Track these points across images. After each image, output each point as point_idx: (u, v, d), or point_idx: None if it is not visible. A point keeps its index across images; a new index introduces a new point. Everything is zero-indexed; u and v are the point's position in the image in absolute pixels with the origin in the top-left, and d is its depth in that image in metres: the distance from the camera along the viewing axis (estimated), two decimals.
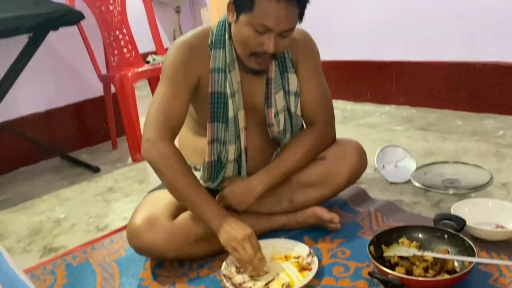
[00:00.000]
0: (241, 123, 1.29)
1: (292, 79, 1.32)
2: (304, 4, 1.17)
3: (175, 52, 1.25)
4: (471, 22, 2.29)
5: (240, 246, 1.15)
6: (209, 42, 1.26)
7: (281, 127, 1.33)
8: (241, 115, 1.29)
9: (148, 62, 2.48)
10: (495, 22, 2.21)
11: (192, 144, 1.38)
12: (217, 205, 1.23)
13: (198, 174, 1.36)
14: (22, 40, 2.10)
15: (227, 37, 1.24)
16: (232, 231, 1.16)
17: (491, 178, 1.60)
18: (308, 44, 1.37)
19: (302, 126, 1.41)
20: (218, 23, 1.27)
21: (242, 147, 1.31)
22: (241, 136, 1.30)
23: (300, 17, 1.19)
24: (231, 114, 1.26)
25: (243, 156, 1.33)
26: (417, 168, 1.75)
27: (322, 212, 1.35)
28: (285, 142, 1.37)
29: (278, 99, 1.31)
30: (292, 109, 1.34)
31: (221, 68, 1.25)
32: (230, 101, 1.25)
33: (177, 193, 1.22)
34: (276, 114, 1.31)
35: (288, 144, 1.37)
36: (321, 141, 1.37)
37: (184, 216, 1.26)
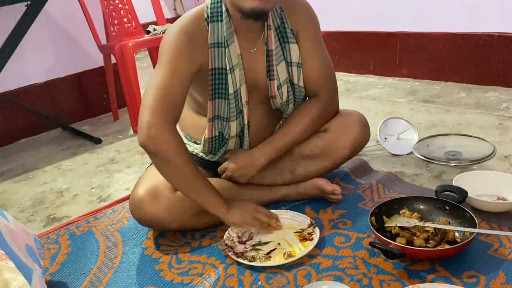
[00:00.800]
0: (244, 98, 1.26)
1: (294, 49, 1.29)
2: None
3: (174, 39, 1.18)
4: None
5: (255, 218, 1.22)
6: (205, 16, 1.21)
7: (284, 98, 1.32)
8: (243, 90, 1.26)
9: (148, 32, 2.44)
10: None
11: (191, 121, 1.37)
12: (220, 194, 1.22)
13: (198, 147, 1.36)
14: (19, 9, 2.07)
15: (223, 8, 1.20)
16: (240, 210, 1.21)
17: (493, 151, 1.59)
18: (307, 13, 1.32)
19: (305, 97, 1.39)
20: None
21: (246, 123, 1.30)
22: (243, 111, 1.28)
23: None
24: (231, 89, 1.23)
25: (245, 130, 1.31)
26: (420, 140, 1.74)
27: (324, 184, 1.36)
28: (288, 113, 1.36)
29: (280, 71, 1.28)
30: (295, 80, 1.31)
31: (220, 42, 1.21)
32: (229, 76, 1.22)
33: (182, 183, 1.17)
34: (279, 87, 1.29)
35: (291, 116, 1.35)
36: (324, 112, 1.35)
37: None
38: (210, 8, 1.21)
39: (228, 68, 1.22)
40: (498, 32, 2.22)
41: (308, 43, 1.30)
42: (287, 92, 1.31)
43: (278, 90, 1.29)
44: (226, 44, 1.21)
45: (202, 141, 1.32)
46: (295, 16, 1.28)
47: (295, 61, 1.29)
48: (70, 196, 1.75)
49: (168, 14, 4.93)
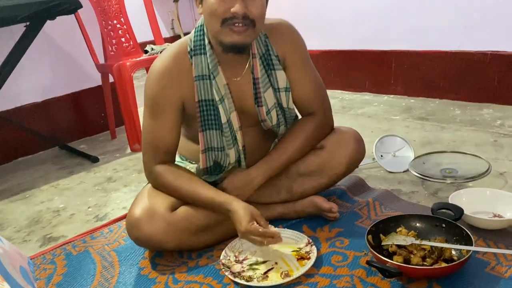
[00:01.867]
0: (235, 125, 1.28)
1: (280, 75, 1.29)
2: None
3: (153, 82, 1.24)
4: (470, 11, 2.28)
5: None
6: (189, 49, 1.23)
7: (274, 122, 1.33)
8: (234, 116, 1.28)
9: (146, 52, 2.47)
10: (494, 11, 2.21)
11: (184, 144, 1.39)
12: (223, 193, 1.25)
13: (193, 167, 1.37)
14: (18, 29, 2.09)
15: (206, 41, 1.21)
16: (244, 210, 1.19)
17: (488, 168, 1.60)
18: (292, 37, 1.32)
19: (296, 116, 1.41)
20: (195, 29, 1.24)
21: (240, 147, 1.31)
22: (237, 137, 1.30)
23: None
24: (224, 119, 1.25)
25: (242, 155, 1.33)
26: (415, 158, 1.75)
27: (321, 202, 1.36)
28: (281, 133, 1.38)
29: (268, 97, 1.29)
30: (284, 104, 1.33)
31: (205, 74, 1.23)
32: (220, 107, 1.24)
33: (188, 200, 1.26)
34: (268, 112, 1.31)
35: (286, 134, 1.36)
36: (319, 129, 1.37)
37: (184, 207, 1.26)
38: (194, 42, 1.23)
39: (217, 99, 1.23)
40: (491, 51, 2.26)
41: (297, 66, 1.32)
42: (277, 115, 1.33)
43: (267, 115, 1.31)
44: (212, 76, 1.22)
45: (196, 170, 1.34)
46: (280, 42, 1.29)
47: (283, 86, 1.30)
48: (67, 215, 1.74)
49: (166, 34, 4.98)
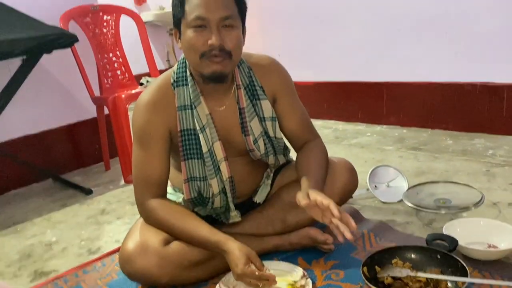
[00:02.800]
0: (219, 155, 1.29)
1: (265, 105, 1.31)
2: None
3: (139, 114, 1.26)
4: (459, 43, 2.34)
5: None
6: (172, 81, 1.26)
7: (262, 151, 1.34)
8: (218, 146, 1.28)
9: (141, 84, 2.49)
10: (483, 43, 2.27)
11: (175, 175, 1.39)
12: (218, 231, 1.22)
13: (181, 197, 1.37)
14: (14, 62, 2.11)
15: (188, 73, 1.25)
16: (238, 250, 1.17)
17: (481, 198, 1.61)
18: (281, 73, 1.35)
19: (285, 145, 1.42)
20: (178, 62, 1.28)
21: (224, 178, 1.31)
22: (221, 167, 1.30)
23: (239, 6, 1.18)
24: (204, 148, 1.26)
25: (228, 186, 1.32)
26: (409, 188, 1.76)
27: (316, 233, 1.35)
28: (271, 163, 1.39)
29: (254, 126, 1.31)
30: (271, 134, 1.34)
31: (187, 104, 1.25)
32: (201, 136, 1.25)
33: (180, 236, 1.24)
34: (255, 141, 1.32)
35: (301, 161, 1.33)
36: (324, 149, 1.38)
37: (177, 242, 1.25)
38: (176, 74, 1.27)
39: (198, 128, 1.25)
40: (480, 82, 2.30)
41: (287, 100, 1.35)
42: (264, 144, 1.34)
43: (254, 144, 1.32)
44: (193, 106, 1.24)
45: (183, 201, 1.34)
46: (268, 78, 1.32)
47: (268, 116, 1.32)
48: (59, 249, 1.72)
49: (161, 65, 5.05)
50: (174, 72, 1.27)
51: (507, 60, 2.22)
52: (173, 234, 1.25)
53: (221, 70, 1.17)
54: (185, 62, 1.26)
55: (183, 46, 1.19)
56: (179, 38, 1.21)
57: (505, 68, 2.23)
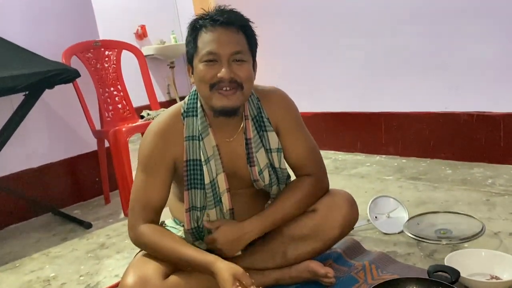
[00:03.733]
0: (222, 187, 1.30)
1: (272, 137, 1.33)
2: (245, 28, 1.21)
3: (148, 141, 1.29)
4: (456, 74, 2.38)
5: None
6: (182, 111, 1.30)
7: (267, 181, 1.35)
8: (221, 178, 1.30)
9: (142, 117, 2.52)
10: (479, 74, 2.30)
11: (177, 206, 1.40)
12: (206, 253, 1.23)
13: (182, 230, 1.37)
14: (17, 97, 2.14)
15: (199, 104, 1.28)
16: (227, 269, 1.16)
17: (482, 228, 1.61)
18: (285, 104, 1.38)
19: (289, 175, 1.42)
20: (190, 93, 1.32)
21: (225, 210, 1.32)
22: (223, 199, 1.31)
23: (250, 42, 1.22)
24: (207, 180, 1.28)
25: (227, 217, 1.33)
26: (410, 219, 1.76)
27: (317, 267, 1.34)
28: (273, 193, 1.39)
29: (260, 157, 1.32)
30: (276, 165, 1.35)
31: (195, 135, 1.27)
32: (204, 168, 1.27)
33: (172, 259, 1.24)
34: (260, 172, 1.33)
35: (283, 191, 1.37)
36: (315, 189, 1.37)
37: (176, 275, 1.24)
38: (187, 104, 1.30)
39: (203, 159, 1.27)
40: (477, 111, 2.33)
41: (290, 132, 1.36)
42: (269, 175, 1.35)
43: (259, 175, 1.33)
44: (200, 137, 1.27)
45: (183, 232, 1.34)
46: (273, 109, 1.34)
47: (274, 147, 1.34)
48: (58, 284, 1.70)
49: (162, 98, 5.11)
50: (184, 103, 1.31)
51: (502, 89, 2.25)
52: (161, 255, 1.25)
53: (232, 105, 1.20)
54: (197, 94, 1.30)
55: (195, 79, 1.23)
56: (192, 72, 1.24)
57: (500, 97, 2.26)
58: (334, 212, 1.36)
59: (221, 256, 1.22)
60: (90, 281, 1.69)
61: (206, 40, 1.18)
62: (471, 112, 2.35)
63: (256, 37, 1.26)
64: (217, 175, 1.29)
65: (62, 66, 2.13)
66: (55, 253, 2.00)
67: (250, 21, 1.24)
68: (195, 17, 1.23)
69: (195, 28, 1.21)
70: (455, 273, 1.22)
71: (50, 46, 2.43)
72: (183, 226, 1.40)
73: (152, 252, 1.26)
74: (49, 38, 2.52)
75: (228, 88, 1.18)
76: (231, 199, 1.32)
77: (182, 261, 1.22)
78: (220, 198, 1.31)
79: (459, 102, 2.40)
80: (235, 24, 1.19)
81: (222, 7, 1.23)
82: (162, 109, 2.62)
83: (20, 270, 1.87)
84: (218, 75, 1.17)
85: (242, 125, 1.31)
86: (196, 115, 1.28)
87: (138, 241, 1.28)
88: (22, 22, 2.46)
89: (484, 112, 2.31)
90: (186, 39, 1.24)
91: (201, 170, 1.28)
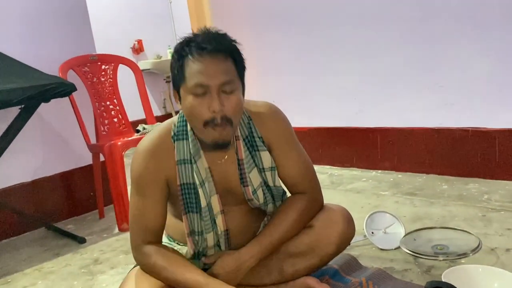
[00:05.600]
0: (216, 208, 1.29)
1: (264, 156, 1.31)
2: (233, 53, 1.17)
3: (137, 161, 1.26)
4: (451, 90, 2.39)
5: None
6: (172, 134, 1.27)
7: (261, 200, 1.33)
8: (215, 200, 1.28)
9: (138, 131, 2.52)
10: (474, 90, 2.32)
11: (171, 223, 1.38)
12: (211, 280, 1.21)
13: (182, 249, 1.36)
14: (12, 111, 2.13)
15: (188, 128, 1.25)
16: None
17: (479, 244, 1.60)
18: (276, 121, 1.34)
19: (284, 192, 1.41)
20: (179, 115, 1.28)
21: (219, 232, 1.31)
22: (217, 221, 1.30)
23: (238, 67, 1.18)
24: (203, 203, 1.26)
25: (222, 239, 1.32)
26: (406, 234, 1.75)
27: (314, 283, 1.32)
28: (269, 211, 1.37)
29: (253, 177, 1.31)
30: (270, 183, 1.34)
31: (186, 159, 1.25)
32: (200, 191, 1.25)
33: (176, 284, 1.22)
34: (254, 192, 1.31)
35: (277, 212, 1.35)
36: (310, 206, 1.36)
37: None
38: (177, 127, 1.27)
39: (198, 182, 1.25)
40: (472, 127, 2.34)
41: (282, 149, 1.33)
42: (264, 194, 1.33)
43: (253, 194, 1.31)
44: (193, 161, 1.25)
45: (187, 253, 1.33)
46: (264, 126, 1.31)
47: (268, 166, 1.32)
48: None
49: (157, 112, 5.12)
50: (174, 125, 1.27)
51: (497, 105, 2.27)
52: (165, 280, 1.22)
53: (223, 139, 1.18)
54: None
55: (184, 111, 1.19)
56: (179, 100, 1.21)
57: (495, 113, 2.27)
58: (330, 228, 1.35)
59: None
60: None
61: (193, 70, 1.13)
62: (466, 127, 2.36)
63: (244, 61, 1.21)
64: (210, 197, 1.28)
65: (59, 79, 2.12)
66: (48, 269, 1.97)
67: (237, 44, 1.20)
68: (180, 41, 1.19)
69: (181, 56, 1.17)
70: None
71: (47, 60, 2.43)
72: (177, 243, 1.39)
73: (156, 275, 1.23)
74: (46, 52, 2.53)
75: (219, 121, 1.15)
76: (226, 219, 1.31)
77: (186, 286, 1.19)
78: (214, 220, 1.30)
79: (454, 118, 2.42)
80: (223, 50, 1.15)
81: (209, 31, 1.18)
82: (158, 123, 2.61)
83: (12, 286, 1.84)
84: (210, 109, 1.13)
85: (232, 146, 1.29)
86: (187, 139, 1.25)
87: (144, 263, 1.26)
88: (19, 36, 2.46)
89: (479, 128, 2.32)
90: (171, 64, 1.20)
91: (196, 193, 1.26)
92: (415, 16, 2.46)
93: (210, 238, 1.30)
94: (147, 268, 1.25)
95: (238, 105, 1.18)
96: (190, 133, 1.25)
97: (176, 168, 1.26)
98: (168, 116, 5.16)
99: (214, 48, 1.14)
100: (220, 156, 1.29)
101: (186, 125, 1.26)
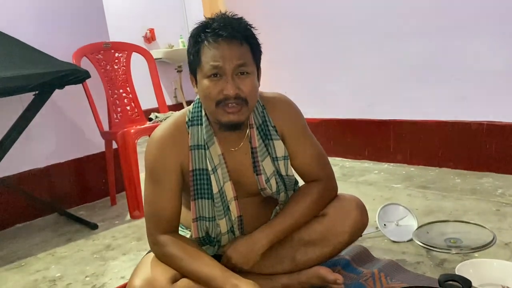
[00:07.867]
0: (229, 195, 1.29)
1: (278, 145, 1.32)
2: (248, 39, 1.18)
3: (152, 149, 1.27)
4: (466, 83, 2.36)
5: None
6: (187, 120, 1.28)
7: (274, 189, 1.34)
8: (228, 187, 1.28)
9: (150, 120, 2.52)
10: (489, 83, 2.29)
11: (184, 215, 1.37)
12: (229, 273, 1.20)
13: (189, 233, 1.36)
14: (27, 97, 2.15)
15: (203, 113, 1.26)
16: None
17: (493, 238, 1.59)
18: (289, 111, 1.35)
19: (296, 181, 1.41)
20: (194, 102, 1.30)
21: (233, 218, 1.31)
22: (231, 207, 1.30)
23: (254, 51, 1.19)
24: (215, 189, 1.26)
25: (236, 225, 1.32)
26: (419, 227, 1.74)
27: (326, 273, 1.33)
28: (281, 200, 1.37)
29: (266, 166, 1.31)
30: (283, 172, 1.34)
31: (200, 144, 1.26)
32: (212, 177, 1.26)
33: (191, 276, 1.21)
34: (267, 180, 1.31)
35: (291, 198, 1.36)
36: (324, 194, 1.36)
37: (185, 279, 1.22)
38: (192, 112, 1.28)
39: (210, 168, 1.25)
40: (487, 121, 2.32)
41: (296, 138, 1.34)
42: (276, 183, 1.33)
43: (266, 183, 1.32)
44: (206, 146, 1.25)
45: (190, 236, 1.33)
46: (278, 116, 1.32)
47: (281, 155, 1.32)
48: (63, 285, 1.69)
49: (169, 102, 5.13)
50: (189, 111, 1.29)
51: None
52: (180, 270, 1.22)
53: (237, 120, 1.19)
54: (201, 102, 1.27)
55: (200, 94, 1.21)
56: (196, 84, 1.23)
57: (510, 107, 2.24)
58: (344, 217, 1.34)
59: (241, 273, 1.21)
60: (96, 282, 1.68)
61: (209, 55, 1.15)
62: (481, 121, 2.33)
63: (260, 45, 1.23)
64: (223, 183, 1.28)
65: (73, 66, 2.13)
66: (61, 254, 1.99)
67: (253, 28, 1.21)
68: (197, 26, 1.19)
69: (197, 42, 1.18)
70: (466, 283, 1.20)
71: (61, 47, 2.43)
72: (189, 231, 1.39)
73: (172, 265, 1.23)
74: (60, 39, 2.53)
75: (233, 104, 1.16)
76: (239, 207, 1.31)
77: (202, 279, 1.19)
78: (228, 206, 1.30)
79: (469, 112, 2.39)
80: (239, 36, 1.16)
81: (225, 16, 1.19)
82: (171, 112, 2.62)
83: (25, 270, 1.87)
84: (224, 92, 1.14)
85: (247, 134, 1.30)
86: (201, 124, 1.26)
87: (160, 253, 1.25)
88: (34, 23, 2.47)
89: (494, 121, 2.29)
90: (188, 49, 1.21)
91: (208, 179, 1.26)
92: (430, 8, 2.42)
93: (223, 224, 1.30)
94: (162, 257, 1.25)
95: (253, 87, 1.19)
96: (204, 118, 1.26)
97: (189, 154, 1.26)
98: (179, 105, 5.16)
99: (230, 34, 1.15)
100: (234, 144, 1.29)
101: (201, 111, 1.27)
